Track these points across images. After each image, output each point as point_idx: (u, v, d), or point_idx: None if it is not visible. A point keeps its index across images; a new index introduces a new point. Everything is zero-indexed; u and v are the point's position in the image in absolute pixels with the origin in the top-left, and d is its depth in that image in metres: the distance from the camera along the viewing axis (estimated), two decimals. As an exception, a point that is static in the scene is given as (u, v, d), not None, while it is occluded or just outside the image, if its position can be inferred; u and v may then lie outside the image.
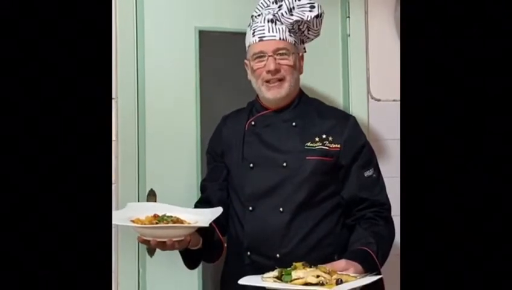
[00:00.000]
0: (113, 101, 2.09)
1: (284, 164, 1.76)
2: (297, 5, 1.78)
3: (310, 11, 1.77)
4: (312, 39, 1.89)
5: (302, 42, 1.87)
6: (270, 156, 1.78)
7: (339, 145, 1.77)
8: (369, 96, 2.40)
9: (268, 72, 1.76)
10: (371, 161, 1.82)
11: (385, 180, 1.84)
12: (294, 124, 1.80)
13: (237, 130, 1.87)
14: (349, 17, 2.39)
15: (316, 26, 1.82)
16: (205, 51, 2.24)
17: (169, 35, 2.21)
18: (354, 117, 1.88)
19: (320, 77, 2.33)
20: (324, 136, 1.77)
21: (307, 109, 1.84)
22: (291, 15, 1.77)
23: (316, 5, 1.78)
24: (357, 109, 2.35)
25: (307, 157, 1.75)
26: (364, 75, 2.39)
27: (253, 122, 1.85)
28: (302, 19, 1.77)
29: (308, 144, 1.76)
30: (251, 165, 1.79)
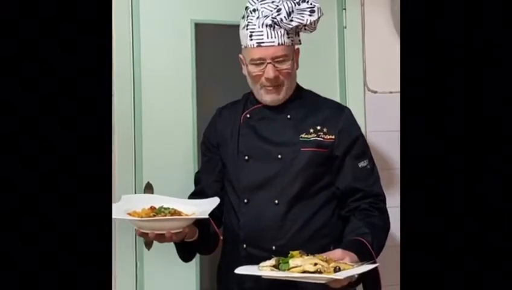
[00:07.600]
0: (110, 95, 2.09)
1: (279, 156, 1.76)
2: (297, 9, 1.74)
3: (310, 15, 1.74)
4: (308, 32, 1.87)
5: (297, 34, 1.85)
6: (265, 148, 1.78)
7: (333, 137, 1.76)
8: (366, 88, 2.40)
9: (268, 79, 1.74)
10: (365, 152, 1.82)
11: (382, 172, 1.84)
12: (289, 116, 1.80)
13: (232, 123, 1.86)
14: (345, 9, 2.39)
15: (314, 25, 1.79)
16: (201, 44, 2.24)
17: (165, 28, 2.21)
18: (348, 109, 1.88)
19: (317, 69, 2.34)
20: (319, 127, 1.77)
21: (301, 101, 1.84)
22: (291, 20, 1.73)
23: (316, 8, 1.74)
24: (354, 101, 2.35)
25: (302, 149, 1.75)
26: (361, 67, 2.40)
27: (248, 115, 1.84)
28: (302, 23, 1.74)
29: (303, 135, 1.76)
30: (246, 157, 1.79)
